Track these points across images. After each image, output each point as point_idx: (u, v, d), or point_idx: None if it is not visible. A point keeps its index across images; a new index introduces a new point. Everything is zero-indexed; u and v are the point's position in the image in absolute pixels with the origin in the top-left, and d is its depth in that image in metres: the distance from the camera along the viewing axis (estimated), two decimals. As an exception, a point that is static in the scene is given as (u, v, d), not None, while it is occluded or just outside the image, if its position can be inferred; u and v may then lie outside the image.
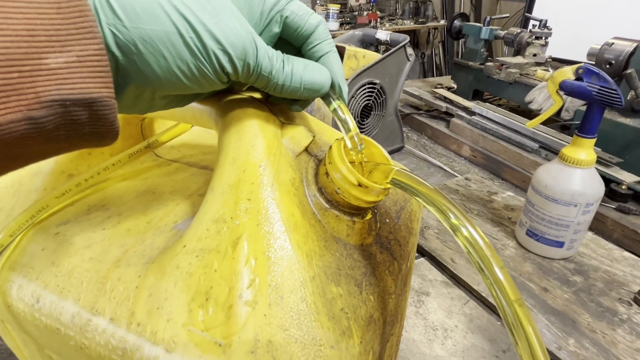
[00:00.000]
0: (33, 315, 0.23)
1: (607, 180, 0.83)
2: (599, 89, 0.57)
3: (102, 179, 0.29)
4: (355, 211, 0.24)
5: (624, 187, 0.82)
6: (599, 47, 0.89)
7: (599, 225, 0.80)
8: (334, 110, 0.24)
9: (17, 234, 0.25)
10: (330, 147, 0.24)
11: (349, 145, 0.24)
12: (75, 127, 0.16)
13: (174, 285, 0.20)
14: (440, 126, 1.22)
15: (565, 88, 0.61)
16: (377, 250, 0.25)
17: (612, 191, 0.82)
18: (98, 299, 0.22)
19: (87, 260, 0.23)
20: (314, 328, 0.19)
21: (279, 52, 0.22)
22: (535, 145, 0.99)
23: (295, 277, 0.20)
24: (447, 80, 1.60)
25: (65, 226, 0.26)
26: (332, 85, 0.25)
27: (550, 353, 0.53)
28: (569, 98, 1.00)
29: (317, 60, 0.24)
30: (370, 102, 0.95)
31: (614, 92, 0.56)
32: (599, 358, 0.51)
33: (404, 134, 1.15)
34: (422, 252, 0.72)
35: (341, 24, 2.86)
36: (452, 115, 1.22)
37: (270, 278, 0.19)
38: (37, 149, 0.16)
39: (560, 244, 0.67)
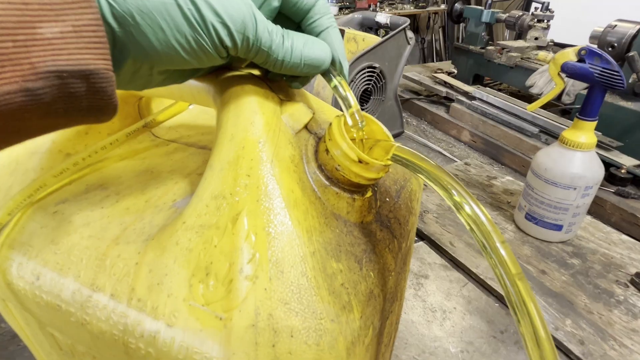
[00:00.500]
0: (34, 293, 0.23)
1: (607, 164, 0.82)
2: (601, 71, 0.57)
3: (99, 158, 0.29)
4: (356, 188, 0.24)
5: (623, 171, 0.82)
6: (602, 29, 0.88)
7: (597, 209, 0.80)
8: (335, 87, 0.24)
9: (15, 213, 0.25)
10: (331, 123, 0.23)
11: (350, 122, 0.23)
12: (72, 100, 0.16)
13: (174, 261, 0.20)
14: (440, 111, 1.21)
15: (567, 70, 0.60)
16: (377, 228, 0.25)
17: (612, 175, 0.83)
18: (98, 275, 0.22)
19: (86, 238, 0.23)
20: (314, 302, 0.19)
21: (278, 26, 0.22)
22: (536, 130, 0.99)
23: (295, 253, 0.20)
24: (447, 65, 1.58)
25: (63, 205, 0.26)
26: (333, 62, 0.24)
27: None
28: (571, 81, 0.99)
29: (317, 36, 0.24)
30: (370, 86, 0.94)
31: (616, 73, 0.55)
32: (595, 338, 0.52)
33: (404, 119, 1.14)
34: (421, 236, 0.72)
35: (340, 9, 2.82)
36: (452, 100, 1.22)
37: (271, 253, 0.19)
38: (35, 122, 0.16)
39: (558, 227, 0.67)
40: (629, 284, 0.61)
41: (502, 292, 0.18)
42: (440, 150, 1.06)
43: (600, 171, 0.62)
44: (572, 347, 0.50)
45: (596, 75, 0.57)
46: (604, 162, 0.66)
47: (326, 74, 0.24)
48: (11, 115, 0.15)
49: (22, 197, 0.25)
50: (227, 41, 0.19)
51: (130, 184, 0.27)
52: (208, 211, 0.21)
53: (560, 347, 0.51)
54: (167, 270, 0.20)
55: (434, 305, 0.58)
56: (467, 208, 0.19)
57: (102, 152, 0.28)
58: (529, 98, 1.22)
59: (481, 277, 0.62)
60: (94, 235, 0.23)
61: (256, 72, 0.26)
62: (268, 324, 0.18)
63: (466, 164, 0.96)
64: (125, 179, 0.28)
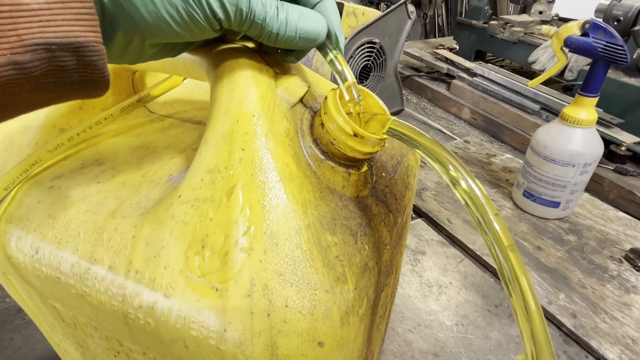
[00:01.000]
0: (33, 266, 0.24)
1: (607, 141, 0.82)
2: (605, 45, 0.55)
3: (94, 133, 0.28)
4: (351, 163, 0.24)
5: (623, 148, 0.82)
6: (608, 2, 0.85)
7: (595, 187, 0.80)
8: (331, 61, 0.23)
9: (11, 188, 0.25)
10: (326, 97, 0.23)
11: (347, 97, 0.23)
12: (63, 74, 0.16)
13: (170, 234, 0.20)
14: (440, 88, 1.20)
15: (570, 44, 0.59)
16: (372, 203, 0.25)
17: (611, 152, 0.82)
18: (96, 248, 0.22)
19: (83, 212, 0.23)
20: (309, 273, 0.19)
21: None
22: (537, 107, 0.98)
23: (290, 225, 0.20)
24: (449, 41, 1.55)
25: (59, 180, 0.26)
26: (329, 35, 0.24)
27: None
28: (574, 57, 0.97)
29: (312, 8, 0.23)
30: (370, 62, 0.93)
31: (619, 48, 0.54)
32: (587, 311, 0.53)
33: (404, 97, 1.13)
34: (419, 213, 0.73)
35: (340, -18, 2.74)
36: (453, 77, 1.20)
37: (266, 226, 0.20)
38: (25, 97, 0.16)
39: (556, 204, 0.67)
40: (623, 260, 0.62)
41: (496, 267, 0.19)
42: (440, 128, 1.05)
43: (599, 148, 0.62)
44: (564, 320, 0.51)
45: (599, 49, 0.56)
46: (604, 139, 0.65)
47: (322, 48, 0.24)
48: (1, 90, 0.15)
49: (18, 172, 0.25)
50: (220, 13, 0.18)
51: (126, 159, 0.27)
52: (203, 185, 0.21)
53: (552, 320, 0.52)
54: (164, 243, 0.20)
55: (430, 280, 0.59)
56: (462, 183, 0.19)
57: (97, 127, 0.28)
58: (532, 75, 1.20)
59: (477, 253, 0.62)
60: (91, 210, 0.24)
61: (251, 44, 0.26)
62: (263, 295, 0.19)
63: (466, 141, 0.95)
64: (121, 154, 0.28)
